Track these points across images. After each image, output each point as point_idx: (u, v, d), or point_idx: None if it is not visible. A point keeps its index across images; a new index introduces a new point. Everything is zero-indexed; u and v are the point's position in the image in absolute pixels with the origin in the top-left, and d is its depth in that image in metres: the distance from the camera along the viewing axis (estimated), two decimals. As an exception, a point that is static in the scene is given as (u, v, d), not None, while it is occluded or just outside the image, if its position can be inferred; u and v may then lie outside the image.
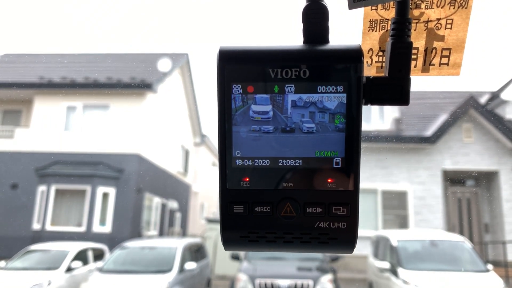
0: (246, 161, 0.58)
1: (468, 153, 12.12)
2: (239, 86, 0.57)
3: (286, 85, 0.57)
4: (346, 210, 0.58)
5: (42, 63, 15.48)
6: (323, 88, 0.56)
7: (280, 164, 0.58)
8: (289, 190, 0.58)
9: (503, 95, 12.58)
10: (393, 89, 0.58)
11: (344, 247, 0.59)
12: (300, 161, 0.58)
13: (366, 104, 0.59)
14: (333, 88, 0.56)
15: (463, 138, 12.20)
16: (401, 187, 12.08)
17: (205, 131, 21.69)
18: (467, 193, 12.78)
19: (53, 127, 14.03)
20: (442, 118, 12.47)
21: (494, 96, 13.04)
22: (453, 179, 12.68)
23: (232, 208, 0.59)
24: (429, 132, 12.09)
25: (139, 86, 13.77)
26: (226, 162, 0.59)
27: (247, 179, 0.59)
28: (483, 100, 13.05)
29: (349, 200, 0.58)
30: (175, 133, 17.65)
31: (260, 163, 0.58)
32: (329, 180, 0.57)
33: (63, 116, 14.12)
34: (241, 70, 0.57)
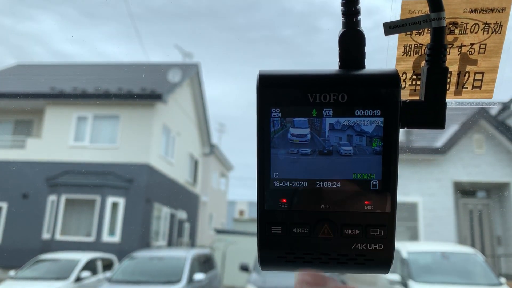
0: (284, 183, 0.59)
1: (480, 164, 12.01)
2: (278, 110, 0.58)
3: (324, 109, 0.58)
4: (383, 232, 0.58)
5: (54, 74, 15.66)
6: (361, 112, 0.57)
7: (317, 185, 0.58)
8: (326, 212, 0.59)
9: (515, 106, 12.48)
10: (429, 113, 0.60)
11: (380, 268, 0.60)
12: (338, 183, 0.58)
13: (402, 127, 0.60)
14: (370, 112, 0.57)
15: (474, 149, 12.10)
16: (411, 198, 11.98)
17: (214, 141, 21.76)
18: (478, 205, 12.64)
19: (64, 137, 14.16)
20: (453, 129, 12.39)
21: (505, 106, 12.93)
22: (464, 190, 12.56)
23: (270, 229, 0.60)
24: (440, 143, 12.01)
25: (149, 97, 13.88)
26: (264, 183, 0.59)
27: (285, 201, 0.59)
28: (494, 111, 12.95)
29: (386, 222, 0.58)
30: (184, 143, 17.72)
31: (297, 184, 0.59)
32: (366, 202, 0.58)
33: (73, 126, 14.25)
34: (280, 94, 0.58)
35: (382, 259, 0.59)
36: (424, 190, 12.04)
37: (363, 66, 0.61)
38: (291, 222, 0.59)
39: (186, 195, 18.28)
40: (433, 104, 0.59)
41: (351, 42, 0.61)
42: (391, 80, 0.57)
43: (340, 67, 0.61)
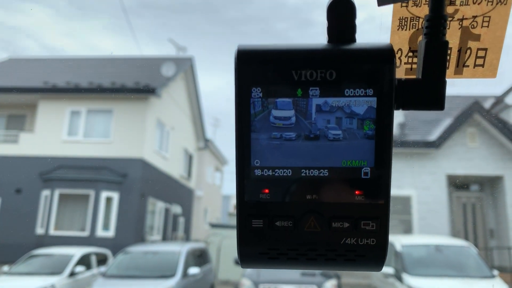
0: (265, 171, 0.54)
1: (473, 158, 12.06)
2: (258, 89, 0.53)
3: (311, 88, 0.52)
4: (375, 225, 0.53)
5: (47, 68, 15.54)
6: (351, 91, 0.52)
7: (303, 174, 0.54)
8: (313, 203, 0.54)
9: (508, 100, 12.53)
10: (428, 93, 0.54)
11: (372, 265, 0.55)
12: (326, 171, 0.53)
13: (397, 109, 0.55)
14: (362, 91, 0.52)
15: (467, 142, 12.14)
16: (405, 192, 12.02)
17: (208, 135, 21.71)
18: (472, 198, 12.71)
19: (57, 132, 14.07)
20: (447, 122, 12.42)
21: (499, 100, 12.99)
22: (457, 184, 12.62)
23: (250, 222, 0.55)
24: (434, 136, 12.04)
25: (143, 91, 13.80)
26: (244, 172, 0.54)
27: (267, 191, 0.54)
28: (487, 104, 13.00)
29: (379, 214, 0.53)
30: (179, 137, 17.67)
31: (281, 173, 0.54)
32: (357, 192, 0.53)
33: (67, 121, 14.16)
34: (261, 71, 0.53)
35: (375, 255, 0.54)
36: (418, 183, 12.09)
37: (353, 40, 0.55)
38: (274, 215, 0.54)
39: (181, 190, 18.25)
40: (431, 82, 0.54)
41: (341, 13, 0.55)
42: (384, 56, 0.52)
43: (329, 41, 0.55)
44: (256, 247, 0.55)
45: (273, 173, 0.54)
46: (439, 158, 12.12)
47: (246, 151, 0.54)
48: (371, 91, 0.52)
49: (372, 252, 0.54)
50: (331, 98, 0.52)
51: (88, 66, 15.53)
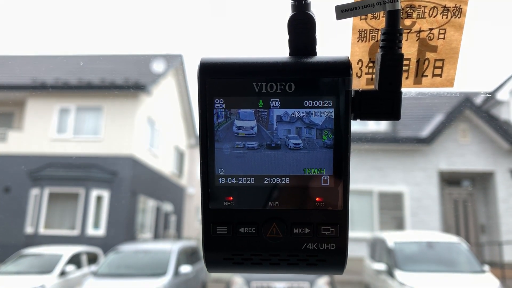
0: (229, 179, 0.56)
1: (464, 153, 12.12)
2: (221, 101, 0.55)
3: (271, 100, 0.55)
4: (335, 230, 0.56)
5: (35, 65, 15.35)
6: (310, 102, 0.54)
7: (265, 182, 0.56)
8: (275, 210, 0.56)
9: (499, 96, 12.60)
10: (384, 103, 0.56)
11: (333, 268, 0.58)
12: (287, 179, 0.56)
13: (355, 119, 0.57)
14: (320, 102, 0.54)
15: (458, 138, 12.20)
16: (397, 188, 12.06)
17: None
18: (463, 194, 12.78)
19: (46, 130, 13.93)
20: (438, 119, 12.47)
21: (490, 96, 13.05)
22: (449, 180, 12.67)
23: (215, 229, 0.57)
24: (425, 133, 12.08)
25: (133, 88, 13.70)
26: (208, 180, 0.56)
27: (231, 199, 0.57)
28: (478, 100, 13.06)
29: (338, 220, 0.56)
30: (170, 135, 17.59)
31: (244, 181, 0.56)
32: (317, 199, 0.56)
33: (56, 118, 14.02)
34: (224, 83, 0.55)
35: (335, 259, 0.57)
36: (410, 179, 12.13)
37: (314, 53, 0.57)
38: (237, 222, 0.57)
39: (172, 187, 18.19)
40: (387, 93, 0.56)
41: (301, 27, 0.57)
42: (341, 68, 0.54)
43: (290, 54, 0.58)
44: (221, 253, 0.58)
45: (237, 181, 0.56)
46: (430, 154, 12.17)
47: (211, 160, 0.56)
48: (329, 102, 0.54)
49: (333, 257, 0.57)
50: (291, 109, 0.55)
51: (77, 63, 15.37)
